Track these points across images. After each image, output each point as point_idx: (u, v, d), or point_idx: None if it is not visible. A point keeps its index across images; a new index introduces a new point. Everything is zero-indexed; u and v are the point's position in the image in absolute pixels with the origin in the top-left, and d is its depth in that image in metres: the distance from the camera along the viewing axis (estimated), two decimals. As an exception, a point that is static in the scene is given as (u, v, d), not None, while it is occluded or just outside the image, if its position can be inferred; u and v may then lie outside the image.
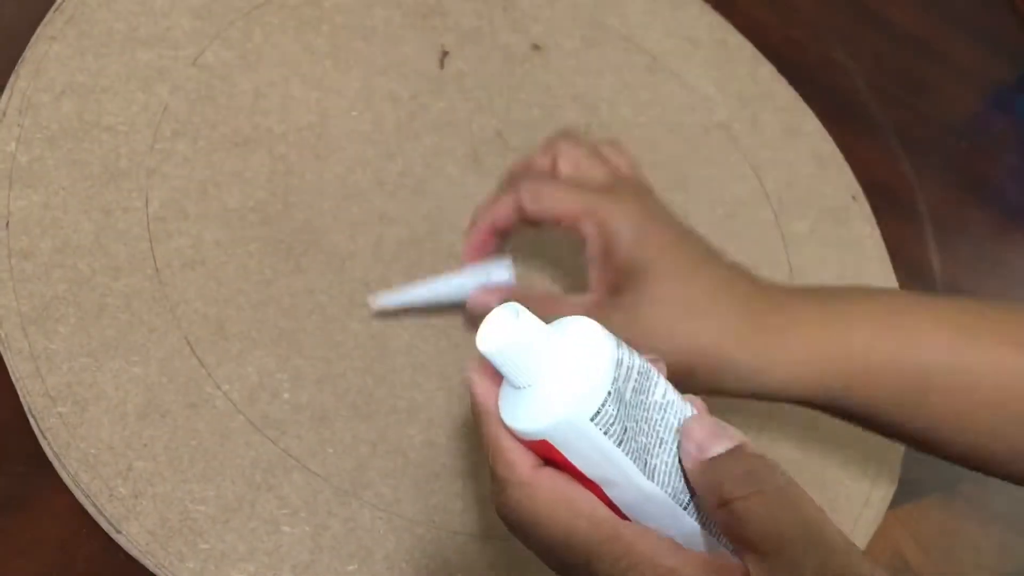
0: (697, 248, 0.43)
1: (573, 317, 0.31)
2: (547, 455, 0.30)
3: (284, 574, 0.40)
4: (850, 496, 0.52)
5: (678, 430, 0.30)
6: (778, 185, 0.63)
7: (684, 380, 0.34)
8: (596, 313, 0.34)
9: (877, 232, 0.63)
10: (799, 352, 0.41)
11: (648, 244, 0.42)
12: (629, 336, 0.31)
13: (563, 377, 0.29)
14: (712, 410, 0.32)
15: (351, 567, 0.42)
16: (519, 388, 0.30)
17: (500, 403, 0.31)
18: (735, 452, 0.29)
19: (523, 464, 0.30)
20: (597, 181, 0.44)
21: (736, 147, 0.63)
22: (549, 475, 0.30)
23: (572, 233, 0.43)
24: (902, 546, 0.50)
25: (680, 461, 0.30)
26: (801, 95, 0.69)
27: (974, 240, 0.69)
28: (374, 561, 0.42)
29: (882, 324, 0.41)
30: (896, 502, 0.52)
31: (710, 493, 0.29)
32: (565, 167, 0.44)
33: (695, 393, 0.32)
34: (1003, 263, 0.69)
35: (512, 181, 0.45)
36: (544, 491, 0.30)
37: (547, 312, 0.31)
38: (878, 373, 0.40)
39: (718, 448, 0.29)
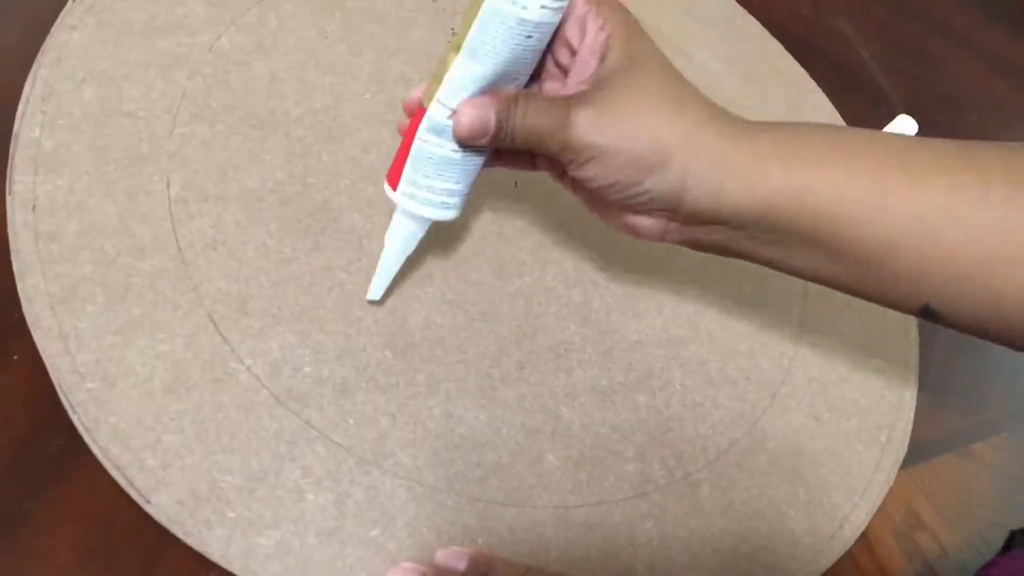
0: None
1: None
2: None
3: (310, 539, 0.42)
4: (862, 461, 0.52)
5: None
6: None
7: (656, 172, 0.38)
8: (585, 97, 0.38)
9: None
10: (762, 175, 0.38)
11: (638, 51, 0.40)
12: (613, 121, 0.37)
13: None
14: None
15: (374, 532, 0.43)
16: None
17: None
18: None
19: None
20: None
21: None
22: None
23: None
24: (915, 504, 0.51)
25: None
26: (807, 70, 0.69)
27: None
28: (396, 527, 0.43)
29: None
30: (908, 462, 0.52)
31: None
32: None
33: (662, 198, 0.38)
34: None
35: None
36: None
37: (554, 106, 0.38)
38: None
39: None
